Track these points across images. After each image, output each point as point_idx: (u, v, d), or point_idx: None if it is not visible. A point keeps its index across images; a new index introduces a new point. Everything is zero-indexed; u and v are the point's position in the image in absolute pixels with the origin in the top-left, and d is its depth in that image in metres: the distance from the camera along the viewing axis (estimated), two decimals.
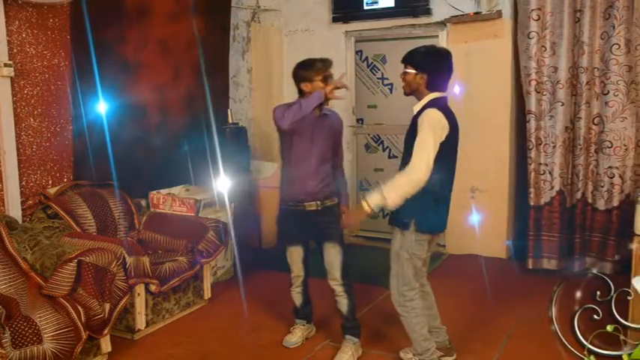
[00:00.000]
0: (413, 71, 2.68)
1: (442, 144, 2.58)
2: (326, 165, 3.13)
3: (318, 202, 3.08)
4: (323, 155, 3.10)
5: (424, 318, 2.83)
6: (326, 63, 3.06)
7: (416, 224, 2.66)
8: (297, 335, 3.35)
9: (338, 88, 2.99)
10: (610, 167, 4.24)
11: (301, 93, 3.08)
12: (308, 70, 3.03)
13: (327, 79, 3.02)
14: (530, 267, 4.49)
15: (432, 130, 2.53)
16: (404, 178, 2.54)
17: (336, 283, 3.13)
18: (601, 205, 4.30)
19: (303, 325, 3.40)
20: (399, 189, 2.53)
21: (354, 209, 2.68)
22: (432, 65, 2.66)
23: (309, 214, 3.09)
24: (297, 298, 3.36)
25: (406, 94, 2.78)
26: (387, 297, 3.19)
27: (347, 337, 3.17)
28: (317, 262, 3.23)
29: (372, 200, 2.57)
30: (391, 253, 2.81)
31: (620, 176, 4.23)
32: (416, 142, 2.55)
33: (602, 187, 4.29)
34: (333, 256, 3.12)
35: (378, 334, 3.32)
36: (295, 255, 3.23)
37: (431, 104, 2.62)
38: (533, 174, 4.48)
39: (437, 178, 2.59)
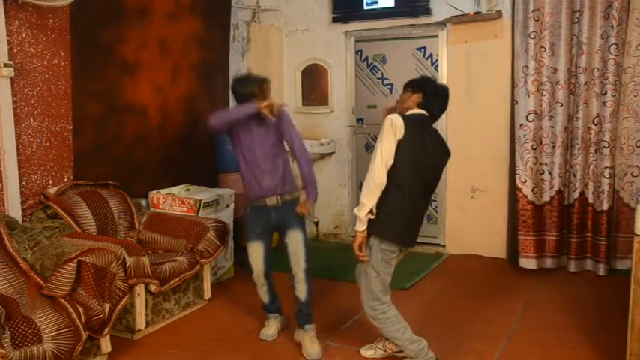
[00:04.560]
0: (410, 91, 2.82)
1: (398, 151, 2.64)
2: (276, 160, 3.18)
3: (278, 198, 3.17)
4: (271, 152, 3.15)
5: (402, 323, 2.86)
6: (263, 85, 3.18)
7: (376, 229, 2.72)
8: (272, 328, 3.43)
9: (270, 109, 3.03)
10: (606, 167, 4.24)
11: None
12: (248, 95, 3.12)
13: (266, 97, 3.16)
14: (530, 266, 4.49)
15: (384, 136, 2.65)
16: (365, 193, 2.68)
17: (299, 268, 3.21)
18: (598, 205, 4.31)
19: (277, 318, 3.47)
20: (365, 201, 2.67)
21: (354, 239, 2.79)
22: (428, 87, 2.81)
23: (270, 209, 3.19)
24: (265, 297, 3.42)
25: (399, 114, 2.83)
26: None
27: (307, 327, 3.24)
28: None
29: (358, 227, 2.73)
30: (359, 271, 2.89)
31: (616, 176, 4.24)
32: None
33: (599, 187, 4.29)
34: (296, 242, 3.20)
35: (378, 333, 3.31)
36: (254, 251, 3.27)
37: (403, 114, 2.73)
38: (537, 174, 4.48)
39: (393, 188, 2.67)
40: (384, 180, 2.65)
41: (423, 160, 2.72)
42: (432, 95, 2.80)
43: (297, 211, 3.20)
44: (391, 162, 2.65)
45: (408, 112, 2.78)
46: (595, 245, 4.35)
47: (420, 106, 2.78)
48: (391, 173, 2.67)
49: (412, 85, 2.84)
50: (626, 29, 4.08)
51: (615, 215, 4.33)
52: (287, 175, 3.22)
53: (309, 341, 3.20)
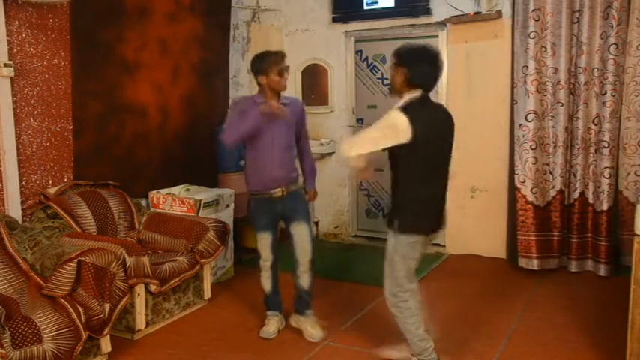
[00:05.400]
0: (395, 65, 2.71)
1: (410, 146, 2.60)
2: (289, 153, 3.28)
3: (283, 189, 3.24)
4: (285, 144, 3.24)
5: (419, 318, 2.84)
6: (278, 55, 3.19)
7: (397, 224, 2.73)
8: (273, 326, 3.43)
9: (274, 111, 3.10)
10: (606, 167, 4.24)
11: (259, 85, 3.22)
12: (263, 64, 3.15)
13: (282, 72, 3.16)
14: (530, 266, 4.49)
15: (380, 130, 2.61)
16: (345, 143, 2.72)
17: (305, 259, 3.29)
18: (598, 205, 4.30)
19: (276, 316, 3.47)
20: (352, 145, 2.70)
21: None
22: (413, 60, 2.66)
23: (275, 200, 3.24)
24: (266, 284, 3.42)
25: (391, 92, 2.79)
26: None
27: (308, 312, 3.38)
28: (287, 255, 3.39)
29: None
30: (386, 255, 2.86)
31: (615, 176, 4.24)
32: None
33: (598, 187, 4.29)
34: (302, 234, 3.29)
35: (379, 333, 3.32)
36: (264, 241, 3.32)
37: (404, 106, 2.65)
38: (536, 174, 4.47)
39: (409, 180, 2.69)
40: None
41: (434, 148, 2.67)
42: (418, 68, 2.65)
43: (308, 199, 3.40)
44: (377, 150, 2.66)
45: (410, 97, 2.66)
46: (595, 245, 4.35)
47: (409, 81, 2.65)
48: (403, 165, 2.67)
49: (397, 58, 2.72)
50: (626, 29, 4.08)
51: (620, 214, 4.32)
52: (294, 166, 3.33)
53: (311, 325, 3.34)
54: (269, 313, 3.49)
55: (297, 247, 3.31)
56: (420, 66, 2.65)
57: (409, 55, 2.70)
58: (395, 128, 2.59)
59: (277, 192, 3.23)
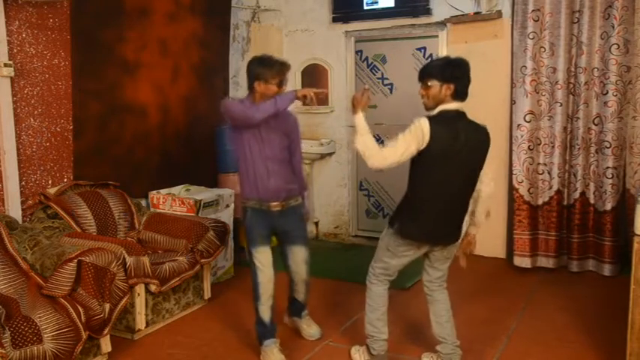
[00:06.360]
0: (438, 83, 2.65)
1: (423, 154, 2.61)
2: (283, 165, 3.06)
3: (283, 203, 3.06)
4: (279, 155, 3.02)
5: (378, 304, 2.90)
6: (284, 66, 2.97)
7: (397, 227, 2.77)
8: (278, 354, 3.07)
9: (311, 97, 2.92)
10: (608, 167, 4.24)
11: (251, 90, 2.98)
12: (266, 71, 2.91)
13: (282, 84, 2.94)
14: (524, 265, 4.49)
15: (409, 133, 2.60)
16: (366, 145, 2.69)
17: (300, 281, 3.29)
18: (600, 205, 4.30)
19: (276, 343, 3.11)
20: (363, 142, 2.72)
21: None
22: (457, 74, 2.66)
23: (274, 214, 3.06)
24: (267, 314, 3.09)
25: (428, 108, 2.74)
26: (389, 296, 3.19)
27: (303, 313, 3.40)
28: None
29: (356, 121, 2.84)
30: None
31: (618, 176, 4.24)
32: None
33: (600, 187, 4.29)
34: (301, 257, 3.22)
35: None
36: (264, 256, 3.06)
37: (434, 116, 2.65)
38: (533, 174, 4.47)
39: (418, 189, 2.71)
40: (379, 167, 2.64)
41: (449, 163, 2.65)
42: (463, 81, 2.66)
43: (305, 219, 3.28)
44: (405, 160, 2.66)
45: (441, 109, 2.67)
46: (598, 245, 4.34)
47: (454, 95, 2.65)
48: (413, 171, 2.70)
49: (436, 77, 2.66)
50: (630, 28, 4.06)
51: (627, 212, 4.29)
52: (292, 179, 3.13)
53: (307, 325, 3.37)
54: (267, 343, 3.09)
55: (292, 269, 3.23)
56: (464, 79, 2.67)
57: (453, 71, 2.66)
58: (418, 130, 2.58)
59: (276, 205, 3.03)
